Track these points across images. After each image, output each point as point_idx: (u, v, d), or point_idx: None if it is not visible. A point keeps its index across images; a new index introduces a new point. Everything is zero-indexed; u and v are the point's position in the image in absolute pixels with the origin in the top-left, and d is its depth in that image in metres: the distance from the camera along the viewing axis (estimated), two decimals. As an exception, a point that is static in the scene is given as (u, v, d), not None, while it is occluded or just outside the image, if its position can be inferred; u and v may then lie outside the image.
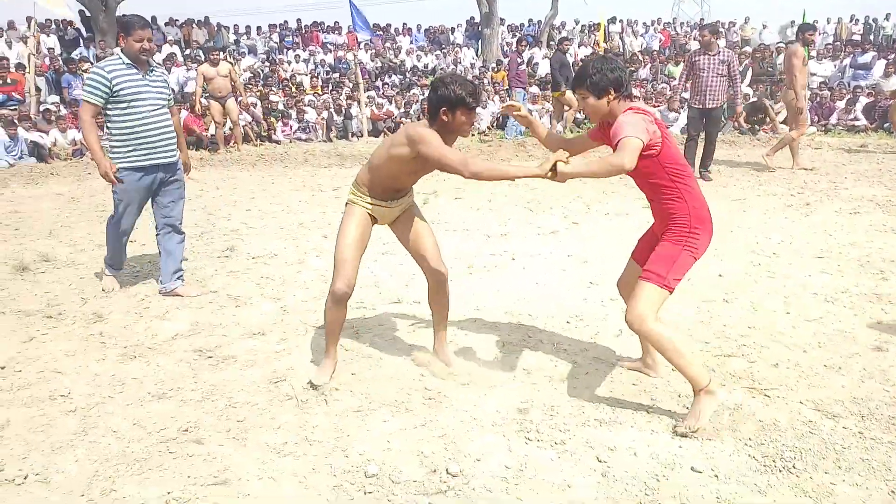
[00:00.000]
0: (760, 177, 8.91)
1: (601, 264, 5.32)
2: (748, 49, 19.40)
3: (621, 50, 20.67)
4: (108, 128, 4.60)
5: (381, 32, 21.22)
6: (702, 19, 25.95)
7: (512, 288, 4.87)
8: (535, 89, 14.98)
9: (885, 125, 12.20)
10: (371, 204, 3.38)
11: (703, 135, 8.90)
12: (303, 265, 5.53)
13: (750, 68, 15.32)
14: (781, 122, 13.01)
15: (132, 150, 4.55)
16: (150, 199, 4.87)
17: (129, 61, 4.51)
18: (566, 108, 12.77)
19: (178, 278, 4.95)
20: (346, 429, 3.01)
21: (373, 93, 15.36)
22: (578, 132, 12.95)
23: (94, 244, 6.23)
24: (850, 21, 23.65)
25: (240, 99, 12.22)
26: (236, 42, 20.08)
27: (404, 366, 3.63)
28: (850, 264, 5.20)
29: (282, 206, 8.02)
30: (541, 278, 5.07)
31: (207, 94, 11.60)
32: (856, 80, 14.34)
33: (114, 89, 4.43)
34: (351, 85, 16.09)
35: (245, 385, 3.44)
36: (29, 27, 16.65)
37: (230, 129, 12.16)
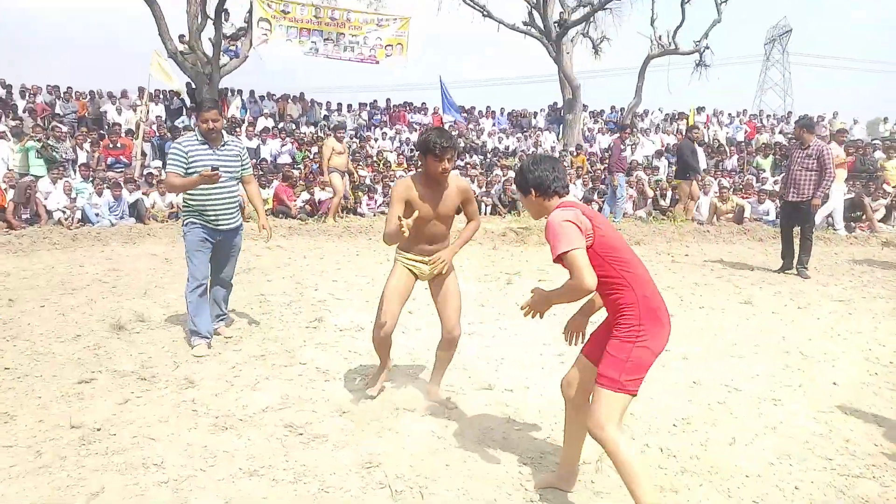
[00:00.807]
0: (863, 277, 8.45)
1: (703, 362, 5.04)
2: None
3: (706, 139, 20.46)
4: (184, 196, 5.17)
5: (465, 114, 21.72)
6: (790, 112, 25.45)
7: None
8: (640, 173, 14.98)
9: None
10: (407, 259, 3.98)
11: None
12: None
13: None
14: (880, 221, 12.48)
15: (199, 216, 5.11)
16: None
17: (201, 138, 5.09)
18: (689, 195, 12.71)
19: (221, 320, 5.57)
20: (444, 527, 2.83)
21: (456, 172, 15.59)
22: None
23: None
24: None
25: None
26: (326, 118, 20.89)
27: (503, 461, 3.44)
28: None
29: (367, 278, 8.05)
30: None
31: (331, 168, 12.00)
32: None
33: (189, 162, 4.99)
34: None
35: (337, 468, 3.31)
36: (140, 96, 17.88)
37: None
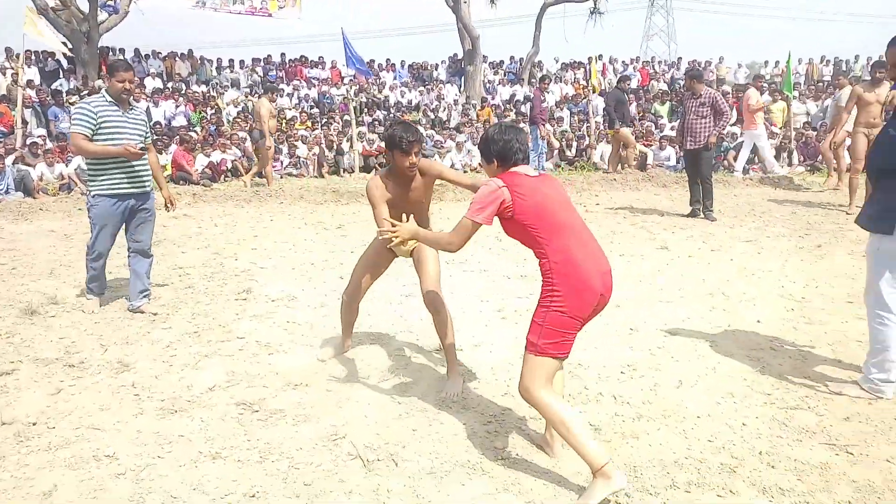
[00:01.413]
0: (764, 218, 8.99)
1: (636, 309, 5.25)
2: (725, 88, 19.86)
3: (605, 87, 20.97)
4: (89, 162, 5.08)
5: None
6: (679, 58, 26.40)
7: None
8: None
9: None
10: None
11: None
12: (327, 308, 5.33)
13: (734, 108, 15.60)
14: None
15: (108, 179, 4.96)
16: (124, 227, 5.21)
17: (112, 99, 5.00)
18: (622, 145, 12.86)
19: (144, 297, 5.32)
20: (424, 494, 2.83)
21: (364, 129, 15.30)
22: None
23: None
24: (821, 62, 24.39)
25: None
26: (218, 72, 19.92)
27: (467, 421, 3.47)
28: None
29: (288, 244, 7.84)
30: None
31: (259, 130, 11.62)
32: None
33: (98, 122, 4.88)
34: (341, 121, 16.03)
35: (303, 443, 3.24)
36: (8, 58, 16.37)
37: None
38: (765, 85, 16.25)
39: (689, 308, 5.28)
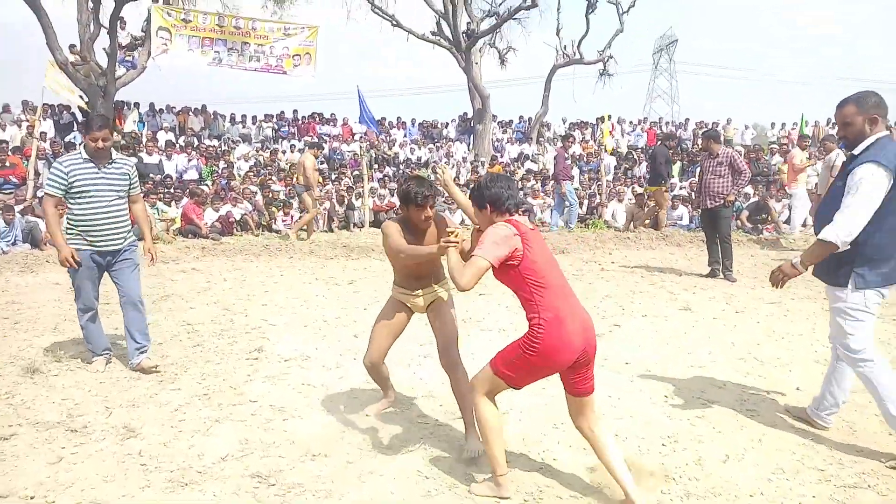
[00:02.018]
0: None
1: (665, 374, 5.00)
2: (739, 148, 19.90)
3: (617, 148, 21.08)
4: (67, 216, 4.98)
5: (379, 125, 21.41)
6: (686, 119, 26.55)
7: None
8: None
9: None
10: (400, 293, 3.97)
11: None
12: (343, 370, 5.10)
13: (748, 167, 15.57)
14: (784, 222, 13.12)
15: (77, 235, 4.91)
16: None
17: (87, 156, 4.92)
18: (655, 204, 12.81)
19: (141, 353, 5.11)
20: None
21: (375, 184, 15.26)
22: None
23: (108, 342, 5.76)
24: (827, 125, 24.52)
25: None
26: (231, 126, 20.07)
27: (501, 501, 3.20)
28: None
29: (299, 300, 7.63)
30: (606, 390, 4.70)
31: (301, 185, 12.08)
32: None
33: (70, 182, 4.83)
34: (351, 176, 16.03)
35: (324, 523, 2.98)
36: (24, 111, 16.52)
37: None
38: (744, 144, 16.29)
39: (721, 373, 5.04)
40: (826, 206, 3.67)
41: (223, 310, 7.14)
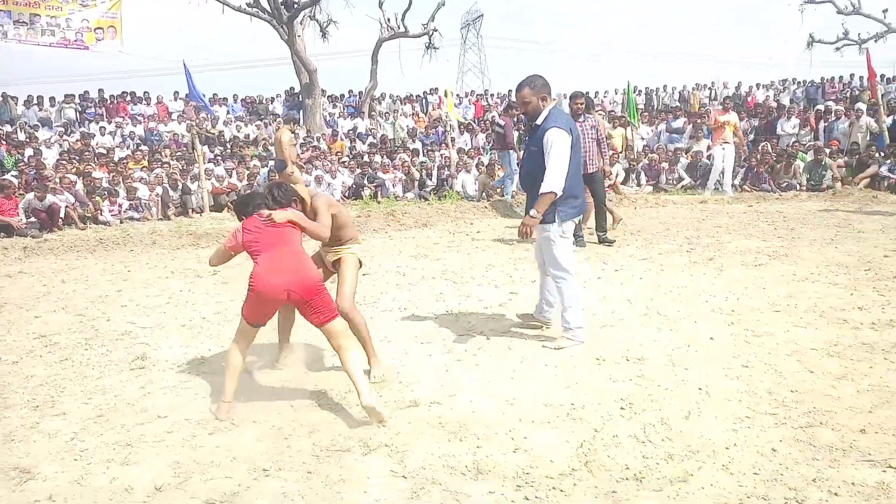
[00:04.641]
0: (638, 236, 9.26)
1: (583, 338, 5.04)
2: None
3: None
4: None
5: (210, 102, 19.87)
6: (510, 90, 27.37)
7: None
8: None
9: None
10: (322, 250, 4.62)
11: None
12: (253, 368, 4.59)
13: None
14: (622, 184, 13.94)
15: None
16: None
17: None
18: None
19: None
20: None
21: (210, 165, 14.16)
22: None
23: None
24: (634, 92, 26.43)
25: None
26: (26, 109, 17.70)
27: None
28: (811, 315, 5.36)
29: (162, 297, 6.85)
30: (542, 359, 4.64)
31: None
32: (672, 143, 15.81)
33: None
34: (175, 157, 14.77)
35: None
36: None
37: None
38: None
39: (634, 331, 5.16)
40: (526, 163, 4.78)
41: (77, 316, 6.22)
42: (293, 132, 11.40)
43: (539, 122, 4.61)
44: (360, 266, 4.57)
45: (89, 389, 4.36)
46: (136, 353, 5.08)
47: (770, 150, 14.37)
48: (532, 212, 4.57)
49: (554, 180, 4.46)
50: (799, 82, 23.39)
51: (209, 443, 3.55)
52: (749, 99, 22.21)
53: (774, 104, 20.13)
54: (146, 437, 3.63)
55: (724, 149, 12.78)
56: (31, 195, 10.85)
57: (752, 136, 16.77)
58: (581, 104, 8.63)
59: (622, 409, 3.79)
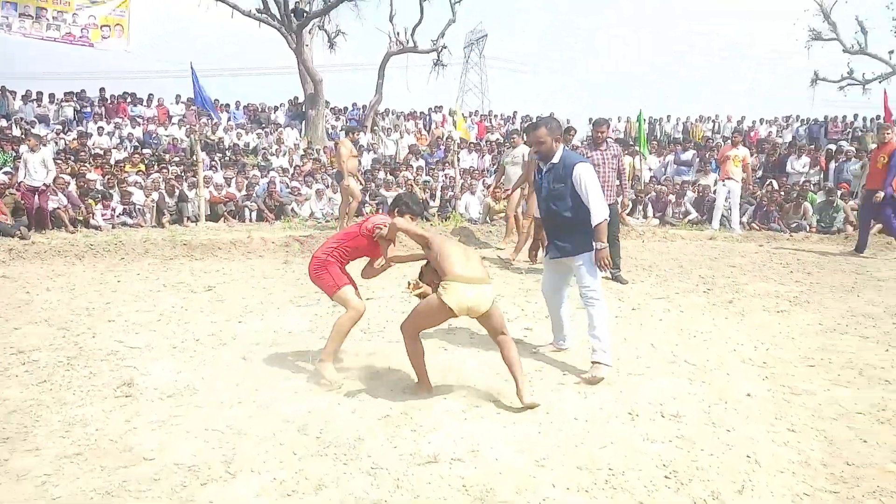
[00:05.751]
0: (650, 272, 8.93)
1: (607, 387, 4.64)
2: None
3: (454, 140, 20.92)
4: None
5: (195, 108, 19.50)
6: (514, 112, 27.16)
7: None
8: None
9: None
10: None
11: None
12: (249, 406, 4.18)
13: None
14: (627, 215, 13.63)
15: None
16: None
17: None
18: None
19: None
20: None
21: (209, 172, 13.76)
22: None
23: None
24: (637, 121, 26.21)
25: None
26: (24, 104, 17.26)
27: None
28: (849, 373, 5.00)
29: (153, 313, 6.44)
30: (571, 412, 4.25)
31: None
32: (679, 176, 15.54)
33: None
34: (174, 163, 14.37)
35: None
36: None
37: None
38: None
39: (664, 382, 4.77)
40: (549, 201, 4.97)
41: (60, 330, 5.80)
42: (354, 141, 11.73)
43: (555, 160, 4.88)
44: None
45: (68, 420, 3.94)
46: (123, 377, 4.65)
47: (777, 188, 14.12)
48: (597, 244, 4.81)
49: (601, 208, 4.77)
50: (802, 119, 23.26)
51: (201, 496, 3.13)
52: (752, 134, 22.05)
53: (779, 140, 19.97)
54: (129, 485, 3.21)
55: (725, 185, 12.51)
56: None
57: (760, 172, 16.52)
58: (604, 132, 8.30)
59: (666, 477, 3.39)
